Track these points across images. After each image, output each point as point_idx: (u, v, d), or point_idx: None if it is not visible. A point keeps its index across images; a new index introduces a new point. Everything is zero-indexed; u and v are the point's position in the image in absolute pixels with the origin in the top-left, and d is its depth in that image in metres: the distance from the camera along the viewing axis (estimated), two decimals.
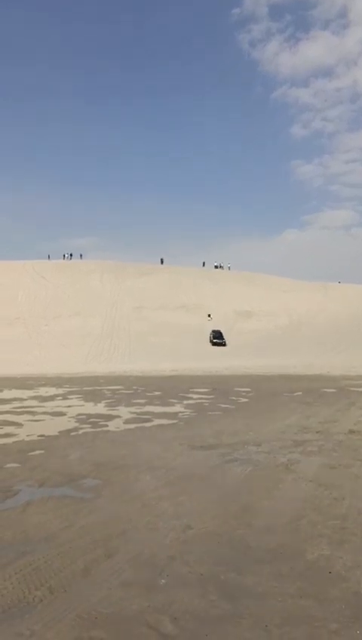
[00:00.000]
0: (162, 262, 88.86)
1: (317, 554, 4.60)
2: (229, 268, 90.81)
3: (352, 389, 19.44)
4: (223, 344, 54.29)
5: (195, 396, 17.54)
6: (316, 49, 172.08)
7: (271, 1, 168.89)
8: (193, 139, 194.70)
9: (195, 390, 19.55)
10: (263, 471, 7.48)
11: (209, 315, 64.15)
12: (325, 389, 19.19)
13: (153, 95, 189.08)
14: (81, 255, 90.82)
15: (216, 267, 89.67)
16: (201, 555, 4.64)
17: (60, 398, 17.60)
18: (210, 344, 54.53)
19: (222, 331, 57.21)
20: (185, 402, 15.91)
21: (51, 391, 20.06)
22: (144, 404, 15.50)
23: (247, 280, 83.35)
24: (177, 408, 14.57)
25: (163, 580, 4.15)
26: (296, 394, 17.83)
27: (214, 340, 54.61)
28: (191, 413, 13.68)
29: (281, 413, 13.22)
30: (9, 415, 12.98)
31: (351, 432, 10.22)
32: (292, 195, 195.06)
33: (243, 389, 19.71)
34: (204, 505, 6.05)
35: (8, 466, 7.95)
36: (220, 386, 21.19)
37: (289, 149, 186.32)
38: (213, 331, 56.41)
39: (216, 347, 52.96)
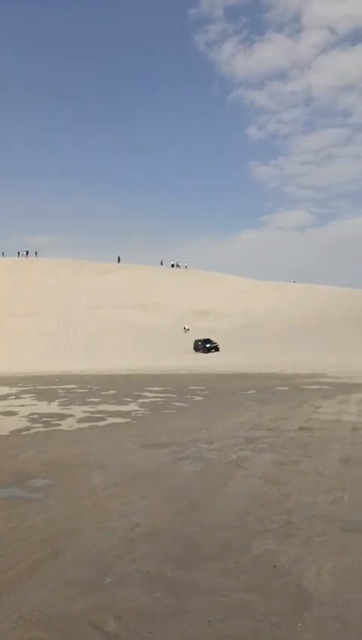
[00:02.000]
0: (119, 260, 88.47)
1: (262, 548, 4.67)
2: (186, 267, 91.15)
3: (305, 386, 19.77)
4: (217, 348, 53.19)
5: (150, 395, 17.54)
6: (271, 52, 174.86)
7: (227, 3, 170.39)
8: (151, 138, 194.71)
9: (150, 389, 19.55)
10: (214, 468, 7.54)
11: (185, 328, 63.58)
12: (278, 387, 19.46)
13: (108, 92, 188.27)
14: (36, 253, 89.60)
15: (172, 266, 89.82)
16: (149, 553, 4.64)
17: (13, 397, 17.32)
18: (197, 351, 52.75)
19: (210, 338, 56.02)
20: (139, 401, 15.89)
21: (4, 390, 19.72)
22: (98, 403, 15.41)
23: (205, 279, 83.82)
24: (131, 407, 14.54)
25: (108, 579, 4.13)
26: (249, 392, 18.02)
27: (207, 346, 53.25)
28: (145, 411, 13.67)
29: (234, 411, 13.35)
30: None
31: (302, 429, 10.40)
32: (250, 196, 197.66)
33: (198, 388, 19.81)
34: (154, 503, 6.06)
35: None
36: (175, 385, 21.24)
37: (246, 150, 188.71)
38: (201, 340, 54.72)
39: (174, 347, 53.12)
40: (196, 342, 55.03)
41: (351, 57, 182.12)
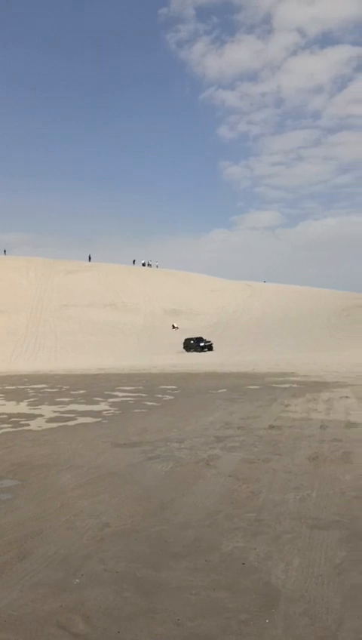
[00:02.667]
0: (90, 259, 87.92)
1: (231, 546, 4.69)
2: (157, 266, 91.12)
3: (275, 385, 19.94)
4: (211, 348, 51.78)
5: (121, 394, 17.47)
6: (241, 53, 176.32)
7: (198, 3, 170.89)
8: (122, 137, 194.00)
9: (121, 388, 19.48)
10: (184, 467, 7.55)
11: (173, 326, 62.79)
12: (249, 386, 19.58)
13: (80, 90, 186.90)
14: (5, 251, 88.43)
15: (143, 265, 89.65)
16: (118, 552, 4.62)
17: None
18: (188, 350, 51.44)
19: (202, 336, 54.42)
20: (110, 400, 15.82)
21: None
22: (68, 403, 15.29)
23: (176, 279, 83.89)
24: (102, 406, 14.46)
25: (77, 580, 4.10)
26: (220, 391, 18.10)
27: (201, 345, 51.65)
28: (115, 411, 13.61)
29: (205, 410, 13.39)
30: None
31: (271, 427, 10.49)
32: (221, 196, 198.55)
33: (169, 387, 19.81)
34: (124, 502, 6.03)
35: None
36: (147, 384, 21.21)
37: (217, 150, 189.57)
38: (194, 339, 53.00)
39: (145, 346, 52.92)
40: (187, 340, 53.18)
41: (320, 60, 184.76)
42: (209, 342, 52.55)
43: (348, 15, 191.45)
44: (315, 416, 11.80)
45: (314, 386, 19.03)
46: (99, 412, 13.40)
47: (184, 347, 52.85)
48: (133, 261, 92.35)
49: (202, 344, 51.93)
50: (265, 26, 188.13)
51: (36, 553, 4.64)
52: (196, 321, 66.68)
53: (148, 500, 6.09)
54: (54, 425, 11.57)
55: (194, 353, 49.34)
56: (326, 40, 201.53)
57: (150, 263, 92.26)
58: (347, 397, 15.44)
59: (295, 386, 19.54)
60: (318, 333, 55.42)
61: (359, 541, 4.73)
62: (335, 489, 6.31)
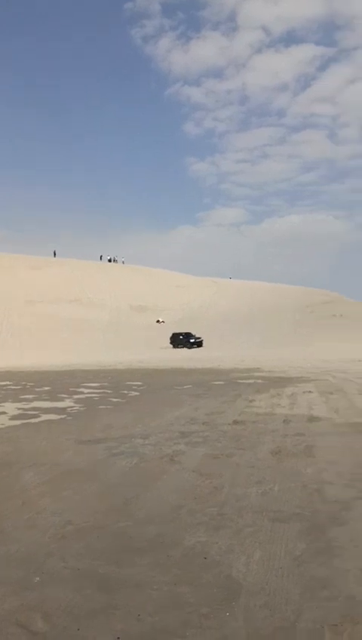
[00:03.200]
0: (55, 254, 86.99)
1: (194, 541, 4.71)
2: (123, 262, 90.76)
3: (240, 381, 20.10)
4: (200, 344, 50.09)
5: (86, 391, 17.36)
6: (206, 49, 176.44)
7: None
8: (88, 131, 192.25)
9: (87, 385, 19.35)
10: (148, 463, 7.55)
11: (159, 321, 61.52)
12: (214, 382, 19.69)
13: (44, 83, 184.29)
14: None
15: (109, 261, 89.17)
16: (80, 549, 4.59)
17: None
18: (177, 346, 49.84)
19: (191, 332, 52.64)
20: (75, 397, 15.69)
21: None
22: (32, 400, 15.11)
23: (142, 274, 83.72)
24: (67, 403, 14.34)
25: (37, 578, 4.06)
26: (186, 387, 18.15)
27: (191, 341, 50.11)
28: (80, 407, 13.52)
29: (170, 405, 13.41)
30: None
31: (235, 422, 10.58)
32: (187, 192, 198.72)
33: (134, 383, 19.77)
34: (87, 499, 6.00)
35: None
36: (112, 380, 21.12)
37: (183, 147, 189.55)
38: (183, 334, 51.28)
39: (111, 342, 52.49)
40: (175, 336, 51.65)
41: (284, 58, 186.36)
42: (199, 338, 51.32)
43: (312, 15, 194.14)
44: (279, 411, 11.95)
45: (278, 382, 19.25)
46: (64, 409, 13.28)
47: (171, 342, 51.40)
48: (100, 257, 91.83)
49: (192, 340, 50.75)
50: (230, 24, 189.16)
51: None
52: (162, 316, 66.68)
53: (112, 497, 6.07)
54: (17, 422, 11.41)
55: (177, 349, 48.22)
56: (290, 39, 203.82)
57: (116, 258, 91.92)
58: (310, 392, 15.68)
59: (259, 381, 19.74)
60: (283, 329, 56.11)
61: (319, 533, 4.82)
62: (297, 482, 6.41)
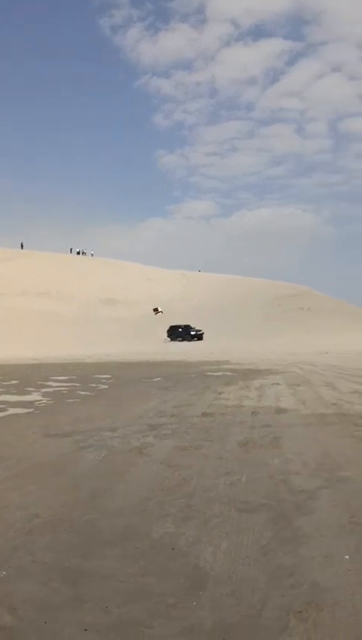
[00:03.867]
0: (22, 247, 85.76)
1: (162, 532, 4.73)
2: (93, 254, 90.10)
3: (209, 373, 20.22)
4: (200, 337, 47.79)
5: (55, 384, 17.22)
6: (175, 41, 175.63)
7: None
8: (56, 122, 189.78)
9: (55, 378, 19.20)
10: (116, 456, 7.54)
11: (157, 310, 59.34)
12: (183, 375, 19.76)
13: (11, 73, 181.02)
14: None
15: (78, 253, 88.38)
16: (47, 543, 4.57)
17: None
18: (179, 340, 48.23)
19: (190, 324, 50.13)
20: (43, 390, 15.55)
21: None
22: None
23: (111, 267, 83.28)
24: (34, 397, 14.20)
25: (3, 572, 4.02)
26: (155, 380, 18.17)
27: (192, 334, 47.93)
28: (48, 401, 13.40)
29: (139, 398, 13.41)
30: None
31: (204, 414, 10.63)
32: (157, 184, 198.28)
33: (103, 376, 19.70)
34: (55, 493, 5.96)
35: None
36: (81, 374, 21.00)
37: (153, 139, 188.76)
38: (182, 327, 49.24)
39: (80, 335, 52.01)
40: (173, 328, 49.75)
41: (253, 52, 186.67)
42: (200, 330, 49.31)
43: (281, 9, 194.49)
44: (247, 403, 12.06)
45: (246, 374, 19.42)
46: (32, 402, 13.15)
47: (168, 335, 49.49)
48: (71, 250, 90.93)
49: (193, 332, 48.75)
50: (198, 16, 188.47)
51: None
52: (131, 309, 66.49)
53: (80, 490, 6.05)
54: None
55: (174, 342, 47.06)
56: (259, 32, 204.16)
57: (85, 251, 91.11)
58: (278, 384, 15.86)
59: (228, 374, 19.88)
60: (252, 322, 56.54)
61: (285, 522, 4.89)
62: (264, 473, 6.48)
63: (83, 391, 15.38)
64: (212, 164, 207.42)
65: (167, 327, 50.89)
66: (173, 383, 17.07)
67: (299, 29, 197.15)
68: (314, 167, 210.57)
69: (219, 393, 13.98)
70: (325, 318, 59.25)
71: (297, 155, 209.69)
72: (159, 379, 18.45)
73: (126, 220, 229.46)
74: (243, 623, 3.30)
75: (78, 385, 16.98)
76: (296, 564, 4.04)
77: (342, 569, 3.93)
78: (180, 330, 49.83)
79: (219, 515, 5.12)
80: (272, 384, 15.82)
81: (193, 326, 50.82)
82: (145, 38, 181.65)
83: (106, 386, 16.60)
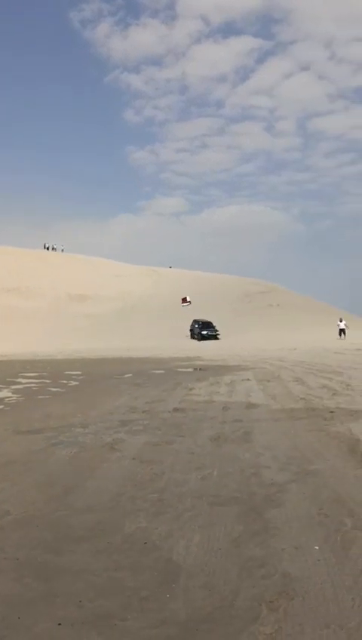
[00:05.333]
0: None
1: (134, 527, 4.75)
2: (63, 250, 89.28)
3: (180, 370, 20.29)
4: (215, 337, 44.38)
5: (24, 381, 17.06)
6: (146, 36, 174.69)
7: None
8: (24, 115, 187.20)
9: (25, 375, 19.02)
10: (88, 452, 7.52)
11: (185, 300, 56.89)
12: (154, 371, 19.79)
13: None
14: None
15: (47, 248, 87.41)
16: (19, 540, 4.54)
17: None
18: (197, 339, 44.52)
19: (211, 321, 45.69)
20: (12, 387, 15.39)
21: None
22: None
23: (81, 263, 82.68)
24: (4, 393, 14.05)
25: None
26: (126, 376, 18.15)
27: (203, 333, 44.57)
28: (18, 398, 13.28)
29: (110, 395, 13.38)
30: None
31: (176, 410, 10.68)
32: (128, 180, 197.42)
33: (74, 373, 19.59)
34: (26, 490, 5.93)
35: None
36: (51, 370, 20.83)
37: (123, 134, 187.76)
38: (200, 323, 45.83)
39: (50, 332, 51.49)
40: (193, 324, 46.33)
41: (223, 49, 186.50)
42: (215, 331, 45.61)
43: (251, 6, 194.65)
44: (218, 399, 12.15)
45: (217, 370, 19.56)
46: (1, 399, 13.00)
47: (191, 332, 45.64)
48: (45, 245, 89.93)
49: (205, 332, 44.98)
50: (169, 12, 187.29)
51: None
52: (102, 306, 66.14)
53: (51, 486, 6.02)
54: None
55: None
56: (229, 30, 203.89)
57: (55, 246, 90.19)
58: (248, 379, 16.01)
59: (199, 370, 19.97)
60: (222, 318, 56.79)
61: (255, 515, 4.96)
62: (235, 467, 6.56)
63: (53, 387, 15.28)
64: (182, 160, 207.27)
65: (196, 324, 46.24)
66: (144, 379, 17.08)
67: (268, 28, 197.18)
68: (283, 165, 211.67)
69: (190, 389, 14.05)
70: (294, 314, 59.96)
71: (267, 152, 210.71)
72: (130, 375, 18.44)
73: (96, 216, 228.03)
74: (215, 614, 3.35)
75: (48, 381, 16.85)
76: (267, 556, 4.11)
77: (312, 559, 4.02)
78: (197, 326, 46.16)
79: (191, 509, 5.17)
80: (242, 380, 15.97)
81: (213, 325, 46.83)
82: (115, 33, 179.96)
83: (77, 383, 16.52)
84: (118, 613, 3.38)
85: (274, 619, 3.27)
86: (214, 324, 46.84)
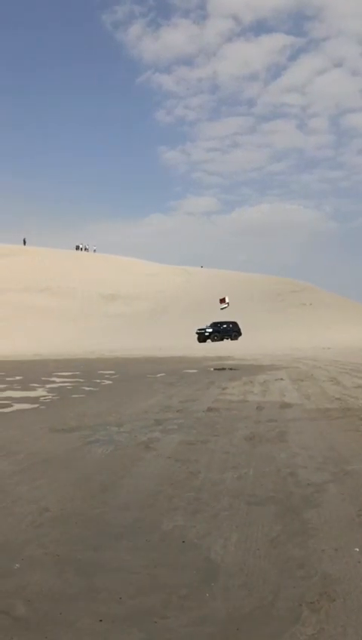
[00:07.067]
0: (25, 242, 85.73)
1: (171, 525, 4.77)
2: (95, 250, 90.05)
3: (212, 369, 20.25)
4: (235, 335, 43.59)
5: (58, 380, 17.28)
6: (177, 36, 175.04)
7: None
8: (57, 117, 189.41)
9: (59, 374, 19.26)
10: (123, 450, 7.58)
11: (224, 300, 56.94)
12: (187, 370, 19.80)
13: (11, 68, 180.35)
14: None
15: (77, 248, 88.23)
16: (58, 536, 4.60)
17: None
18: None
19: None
20: (47, 386, 15.60)
21: None
22: (4, 390, 14.97)
23: (113, 263, 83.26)
24: (39, 392, 14.25)
25: (17, 565, 4.06)
26: (158, 375, 18.21)
27: (200, 332, 43.78)
28: (53, 397, 13.45)
29: (144, 394, 13.45)
30: None
31: (209, 409, 10.67)
32: (159, 180, 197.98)
33: (107, 372, 19.74)
34: (63, 487, 6.00)
35: None
36: (85, 370, 21.04)
37: (155, 135, 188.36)
38: (219, 323, 45.14)
39: (83, 331, 51.98)
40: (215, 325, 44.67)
41: (255, 47, 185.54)
42: (227, 330, 44.48)
43: (283, 4, 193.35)
44: (252, 398, 12.10)
45: (250, 370, 19.47)
46: (37, 398, 13.20)
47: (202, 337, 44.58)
48: (77, 247, 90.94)
49: (207, 333, 43.89)
50: (200, 11, 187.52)
51: None
52: (133, 305, 66.51)
53: (88, 484, 6.09)
54: None
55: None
56: (260, 28, 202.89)
57: (87, 247, 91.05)
58: (282, 379, 15.90)
59: (232, 369, 19.91)
60: (254, 317, 56.54)
61: (294, 515, 4.92)
62: (271, 467, 6.52)
63: (87, 386, 15.43)
64: (213, 159, 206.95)
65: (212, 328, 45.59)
66: (177, 378, 17.11)
67: (300, 25, 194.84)
68: (315, 163, 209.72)
69: (224, 388, 14.02)
70: (327, 313, 59.27)
71: (298, 150, 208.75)
72: (163, 374, 18.49)
73: (127, 216, 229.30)
74: (255, 614, 3.34)
75: (82, 380, 17.03)
76: (307, 556, 4.08)
77: (353, 561, 3.97)
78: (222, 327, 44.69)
79: (228, 508, 5.16)
80: (276, 379, 15.86)
81: (223, 323, 46.49)
82: (146, 35, 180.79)
83: (110, 382, 16.65)
84: (158, 611, 3.40)
85: (315, 620, 3.24)
86: (228, 325, 46.01)
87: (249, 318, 56.46)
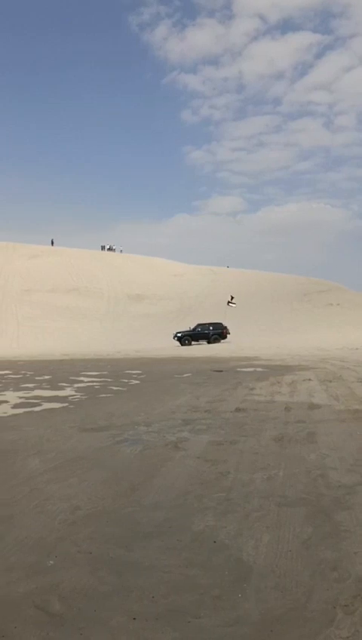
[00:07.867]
0: (52, 243, 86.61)
1: (202, 525, 4.78)
2: (122, 251, 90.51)
3: (239, 369, 20.18)
4: (207, 339, 41.71)
5: (86, 379, 17.41)
6: (203, 37, 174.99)
7: None
8: (84, 118, 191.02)
9: (86, 374, 19.41)
10: (152, 450, 7.61)
11: (231, 299, 57.12)
12: (214, 370, 19.77)
13: (38, 70, 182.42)
14: None
15: (102, 248, 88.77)
16: (90, 534, 4.66)
17: None
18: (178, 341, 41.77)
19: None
20: (75, 386, 15.74)
21: None
22: (33, 389, 15.15)
23: (139, 263, 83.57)
24: (68, 392, 14.39)
25: (51, 562, 4.12)
26: (185, 375, 18.22)
27: (179, 336, 42.00)
28: (81, 396, 13.57)
29: (172, 394, 13.47)
30: None
31: (238, 410, 10.65)
32: (184, 180, 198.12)
33: (134, 372, 19.83)
34: (94, 486, 6.06)
35: None
36: (112, 369, 21.17)
37: (180, 134, 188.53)
38: (202, 326, 43.64)
39: (109, 331, 52.17)
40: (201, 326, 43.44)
41: (280, 46, 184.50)
42: (182, 335, 42.52)
43: (309, 2, 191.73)
44: (279, 399, 12.03)
45: (277, 370, 19.34)
46: (65, 397, 13.33)
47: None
48: (102, 247, 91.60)
49: (180, 334, 42.14)
50: (225, 11, 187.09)
51: (7, 538, 4.63)
52: (159, 305, 66.66)
53: (118, 483, 6.13)
54: (20, 411, 11.46)
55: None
56: (286, 26, 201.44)
57: (113, 247, 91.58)
58: (309, 380, 15.76)
59: (259, 369, 19.83)
60: (280, 318, 56.18)
61: (325, 517, 4.89)
62: (301, 468, 6.48)
63: (115, 386, 15.53)
64: (239, 159, 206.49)
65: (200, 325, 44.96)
66: (204, 378, 17.10)
67: (327, 22, 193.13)
68: (342, 161, 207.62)
69: (251, 389, 13.97)
70: (354, 313, 58.52)
71: (325, 149, 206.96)
72: (190, 374, 18.50)
73: (153, 216, 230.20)
74: (289, 615, 3.33)
75: (109, 380, 17.14)
76: (339, 559, 4.05)
77: None
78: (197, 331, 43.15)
79: (258, 509, 5.15)
80: (304, 380, 15.73)
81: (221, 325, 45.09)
82: (172, 35, 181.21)
83: (138, 382, 16.72)
84: (191, 610, 3.41)
85: (350, 622, 3.22)
86: (208, 326, 43.93)
87: (275, 318, 56.13)
